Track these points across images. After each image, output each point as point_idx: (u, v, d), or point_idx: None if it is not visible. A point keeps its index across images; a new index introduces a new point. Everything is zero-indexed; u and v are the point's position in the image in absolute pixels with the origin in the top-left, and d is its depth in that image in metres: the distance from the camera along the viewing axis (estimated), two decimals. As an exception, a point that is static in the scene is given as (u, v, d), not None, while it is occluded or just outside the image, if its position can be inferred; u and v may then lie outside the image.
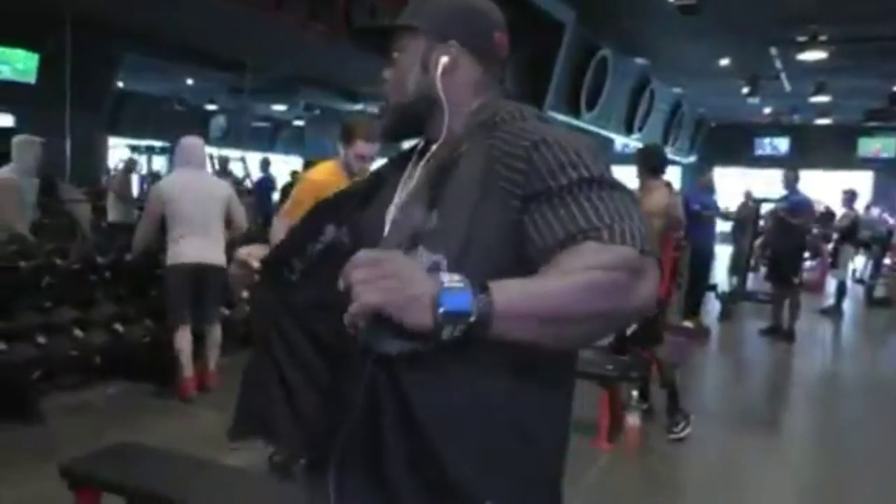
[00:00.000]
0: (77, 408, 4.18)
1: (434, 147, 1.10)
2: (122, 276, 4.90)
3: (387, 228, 1.07)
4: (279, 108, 15.85)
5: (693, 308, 6.78)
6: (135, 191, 13.79)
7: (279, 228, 3.24)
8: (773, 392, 5.67)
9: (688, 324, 6.43)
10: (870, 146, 17.02)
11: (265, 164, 11.44)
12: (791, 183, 6.91)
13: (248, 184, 10.95)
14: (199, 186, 4.33)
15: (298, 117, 16.63)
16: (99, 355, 4.30)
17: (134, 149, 14.03)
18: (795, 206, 6.82)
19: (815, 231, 8.41)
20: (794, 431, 4.68)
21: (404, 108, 1.12)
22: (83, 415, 4.09)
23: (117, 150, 13.82)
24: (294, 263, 1.17)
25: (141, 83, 13.29)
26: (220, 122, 17.13)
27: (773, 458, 4.03)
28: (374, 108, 14.06)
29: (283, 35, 6.22)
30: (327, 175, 3.20)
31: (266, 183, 11.40)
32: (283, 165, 16.49)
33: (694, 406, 4.35)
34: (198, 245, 4.20)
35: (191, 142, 4.52)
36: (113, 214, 7.64)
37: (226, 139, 16.91)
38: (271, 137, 18.18)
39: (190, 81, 13.11)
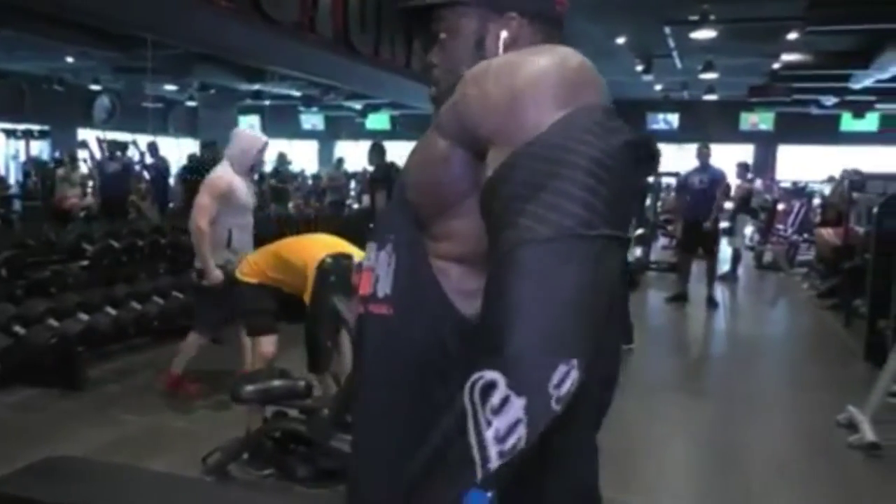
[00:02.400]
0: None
1: None
2: (20, 274, 4.56)
3: None
4: (170, 87, 15.06)
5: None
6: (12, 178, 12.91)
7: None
8: (680, 353, 5.96)
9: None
10: (748, 120, 18.08)
11: (153, 149, 10.75)
12: (705, 158, 7.27)
13: (140, 169, 10.40)
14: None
15: (191, 98, 15.84)
16: (-1, 361, 3.99)
17: (10, 133, 12.99)
18: (716, 178, 7.23)
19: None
20: (697, 390, 4.94)
21: None
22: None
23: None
24: None
25: (15, 62, 12.28)
26: (104, 103, 16.13)
27: (679, 415, 4.26)
28: (274, 89, 13.64)
29: (180, 9, 5.87)
30: None
31: (161, 168, 10.85)
32: (175, 149, 15.75)
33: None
34: None
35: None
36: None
37: (112, 121, 15.98)
38: (163, 119, 17.28)
39: (71, 60, 12.21)
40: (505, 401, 0.67)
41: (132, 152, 10.68)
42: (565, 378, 0.68)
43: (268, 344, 3.22)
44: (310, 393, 2.96)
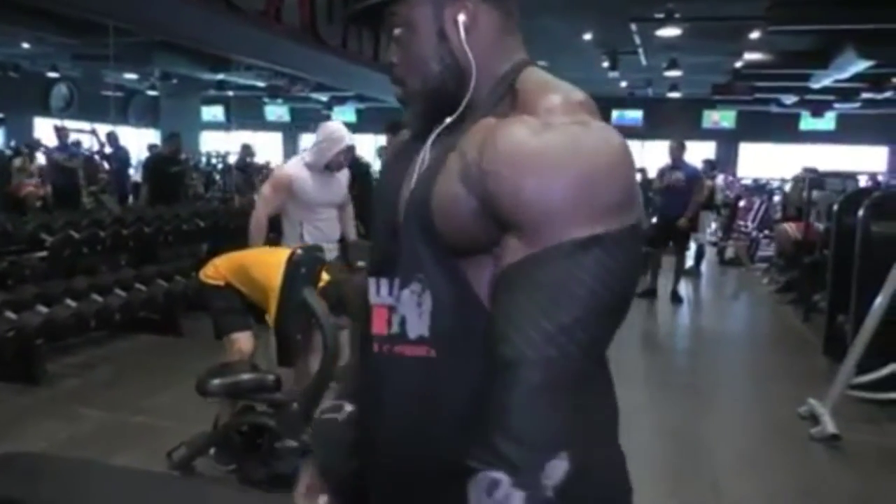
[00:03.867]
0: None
1: (439, 128, 0.93)
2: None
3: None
4: (130, 76, 14.72)
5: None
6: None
7: None
8: (646, 347, 6.04)
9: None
10: (710, 117, 18.39)
11: (112, 139, 10.47)
12: (678, 155, 7.34)
13: (99, 158, 10.17)
14: None
15: (153, 87, 15.52)
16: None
17: (-38, 121, 12.57)
18: (692, 176, 7.32)
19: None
20: (662, 382, 5.00)
21: (434, 92, 0.93)
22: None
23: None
24: None
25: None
26: (62, 91, 15.73)
27: (644, 407, 4.30)
28: (239, 79, 13.43)
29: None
30: None
31: (122, 158, 10.61)
32: (134, 139, 15.40)
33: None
34: None
35: None
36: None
37: (70, 110, 15.58)
38: (123, 108, 16.91)
39: (27, 46, 11.85)
40: (507, 497, 0.75)
41: (90, 142, 10.42)
42: (556, 469, 0.75)
43: (244, 341, 3.15)
44: (279, 387, 2.91)
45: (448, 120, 0.93)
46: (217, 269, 3.21)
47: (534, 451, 0.75)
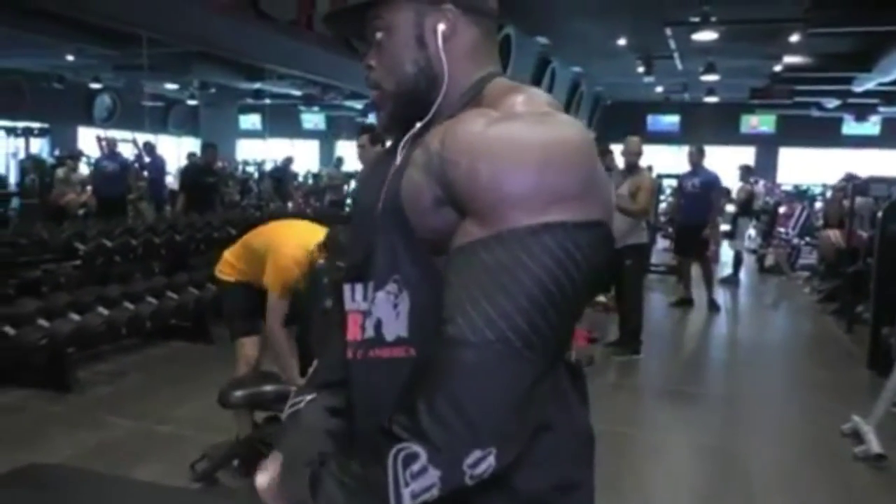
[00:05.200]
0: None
1: (411, 132, 0.97)
2: (11, 273, 4.49)
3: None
4: (171, 86, 15.00)
5: (606, 282, 6.93)
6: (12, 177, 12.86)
7: (279, 314, 3.00)
8: (680, 358, 5.89)
9: (601, 298, 6.57)
10: (749, 122, 18.02)
11: (149, 148, 10.61)
12: (697, 160, 7.18)
13: (139, 167, 10.34)
14: None
15: (192, 96, 15.79)
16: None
17: (9, 131, 12.94)
18: (707, 182, 7.09)
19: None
20: (699, 395, 4.87)
21: (407, 95, 0.96)
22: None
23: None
24: None
25: (13, 59, 12.21)
26: (105, 101, 16.06)
27: (681, 420, 4.20)
28: (274, 87, 13.59)
29: (181, 7, 5.81)
30: (306, 255, 2.97)
31: (158, 166, 10.78)
32: (174, 148, 15.67)
33: (614, 376, 4.45)
34: None
35: None
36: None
37: (112, 120, 15.91)
38: (163, 118, 17.23)
39: (71, 58, 12.14)
40: (423, 470, 0.76)
41: (131, 151, 10.62)
42: (480, 461, 0.76)
43: (250, 346, 3.14)
44: (300, 398, 2.88)
45: (419, 124, 0.96)
46: (226, 261, 3.20)
47: (455, 437, 0.76)
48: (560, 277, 0.77)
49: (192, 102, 16.48)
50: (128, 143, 10.85)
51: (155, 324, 5.01)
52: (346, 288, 0.97)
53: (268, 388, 2.92)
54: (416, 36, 0.94)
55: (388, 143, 1.08)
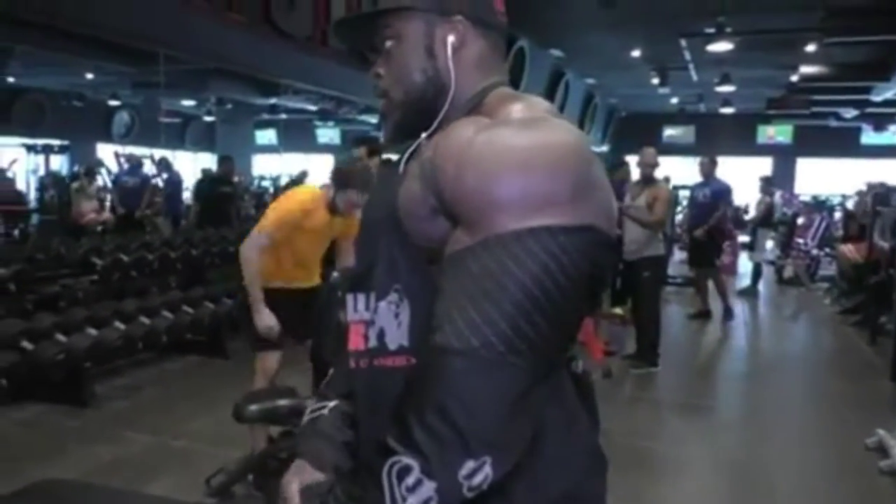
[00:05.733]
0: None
1: (416, 143, 0.98)
2: (29, 289, 4.52)
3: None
4: (188, 102, 15.16)
5: (622, 295, 6.87)
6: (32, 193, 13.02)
7: (255, 244, 3.01)
8: (700, 371, 5.82)
9: (618, 310, 6.51)
10: (766, 132, 17.89)
11: (165, 165, 10.71)
12: (708, 171, 7.12)
13: (158, 182, 10.42)
14: None
15: (209, 112, 15.94)
16: (5, 377, 3.93)
17: (30, 148, 13.13)
18: (717, 193, 7.05)
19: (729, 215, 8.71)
20: (720, 408, 4.80)
21: (415, 104, 0.96)
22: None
23: (8, 150, 12.92)
24: None
25: (35, 78, 12.40)
26: (123, 118, 16.24)
27: (701, 434, 4.13)
28: (289, 102, 13.69)
29: (197, 25, 5.87)
30: (315, 204, 3.04)
31: (174, 181, 10.86)
32: (190, 163, 15.79)
33: (631, 389, 4.39)
34: None
35: None
36: None
37: (130, 136, 16.09)
38: (180, 134, 17.41)
39: (90, 76, 12.31)
40: (418, 483, 0.74)
41: (149, 167, 10.72)
42: (476, 472, 0.75)
43: (270, 359, 3.13)
44: (316, 412, 2.87)
45: (424, 135, 0.96)
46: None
47: (444, 446, 0.74)
48: (545, 282, 0.76)
49: (208, 118, 16.63)
50: (146, 159, 10.97)
51: (171, 338, 5.02)
52: (349, 298, 0.97)
53: (283, 402, 2.91)
54: (426, 46, 0.94)
55: (392, 156, 1.08)
